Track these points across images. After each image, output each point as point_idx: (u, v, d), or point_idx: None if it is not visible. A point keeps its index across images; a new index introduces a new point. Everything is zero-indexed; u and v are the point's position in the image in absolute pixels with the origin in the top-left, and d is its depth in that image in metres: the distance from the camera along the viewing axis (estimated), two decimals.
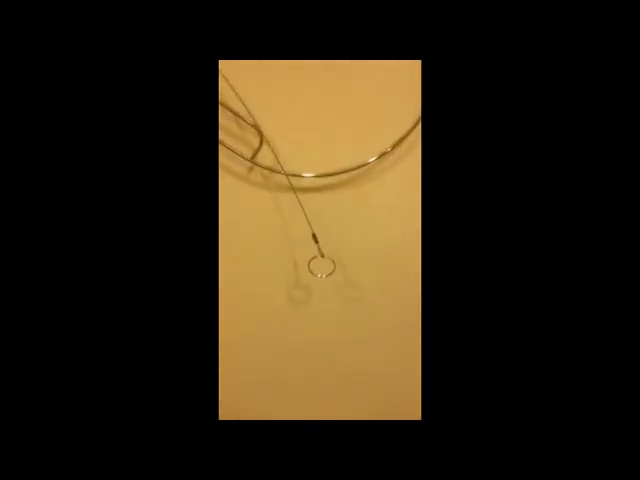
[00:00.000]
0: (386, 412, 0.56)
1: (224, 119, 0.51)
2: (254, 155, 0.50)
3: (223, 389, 0.53)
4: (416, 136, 0.50)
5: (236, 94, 0.49)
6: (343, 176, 0.52)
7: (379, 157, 0.51)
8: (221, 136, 0.51)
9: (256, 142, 0.50)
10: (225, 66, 0.48)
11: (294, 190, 0.52)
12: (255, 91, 0.50)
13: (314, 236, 0.52)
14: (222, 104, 0.49)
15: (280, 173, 0.51)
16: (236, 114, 0.49)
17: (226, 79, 0.49)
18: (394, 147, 0.50)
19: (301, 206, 0.52)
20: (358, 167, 0.51)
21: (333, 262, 0.53)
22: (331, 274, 0.53)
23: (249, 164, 0.51)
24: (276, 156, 0.51)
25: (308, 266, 0.53)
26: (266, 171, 0.52)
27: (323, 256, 0.52)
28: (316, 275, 0.53)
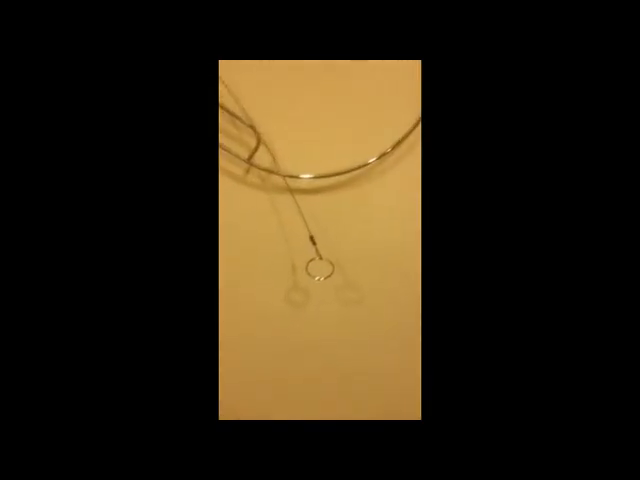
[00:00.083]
0: (386, 412, 0.56)
1: (220, 120, 0.50)
2: (251, 156, 0.50)
3: (223, 389, 0.53)
4: (416, 136, 0.50)
5: (232, 95, 0.49)
6: (342, 177, 0.52)
7: (379, 157, 0.50)
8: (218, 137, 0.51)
9: (253, 143, 0.50)
10: (225, 66, 0.48)
11: (291, 191, 0.51)
12: (255, 91, 0.50)
13: (312, 238, 0.52)
14: (221, 106, 0.49)
15: (277, 174, 0.51)
16: (232, 114, 0.49)
17: (222, 80, 0.49)
18: (394, 147, 0.50)
19: (298, 208, 0.52)
20: (358, 167, 0.51)
21: (332, 264, 0.52)
22: (329, 276, 0.53)
23: (246, 165, 0.51)
24: (274, 157, 0.51)
25: (306, 268, 0.53)
26: (264, 172, 0.52)
27: (321, 258, 0.52)
28: (314, 277, 0.53)
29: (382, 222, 0.53)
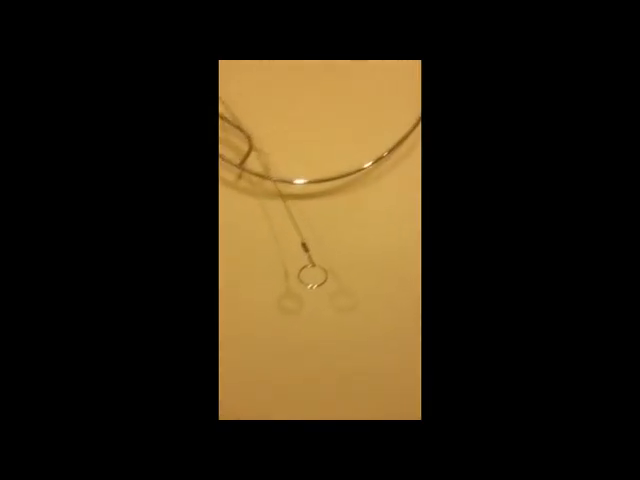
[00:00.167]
0: (386, 412, 0.56)
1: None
2: (243, 161, 0.49)
3: (223, 389, 0.53)
4: (415, 138, 0.50)
5: (227, 101, 0.49)
6: (338, 182, 0.51)
7: (375, 162, 0.50)
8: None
9: (245, 147, 0.49)
10: (225, 66, 0.47)
11: (282, 197, 0.51)
12: (254, 92, 0.50)
13: (304, 245, 0.51)
14: (220, 116, 0.48)
15: (270, 180, 0.50)
16: (227, 120, 0.48)
17: (222, 100, 0.48)
18: (393, 150, 0.50)
19: (290, 214, 0.51)
20: (355, 172, 0.50)
21: (325, 271, 0.52)
22: (323, 284, 0.52)
23: (238, 170, 0.50)
24: (265, 162, 0.50)
25: (298, 276, 0.52)
26: (256, 177, 0.51)
27: (314, 265, 0.51)
28: (307, 285, 0.52)
29: (379, 227, 0.53)
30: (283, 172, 0.51)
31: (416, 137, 0.50)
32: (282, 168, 0.51)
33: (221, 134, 0.50)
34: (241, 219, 0.52)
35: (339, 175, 0.50)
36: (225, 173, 0.51)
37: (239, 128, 0.49)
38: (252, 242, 0.53)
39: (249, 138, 0.49)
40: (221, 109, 0.49)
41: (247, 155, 0.49)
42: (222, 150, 0.50)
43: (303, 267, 0.52)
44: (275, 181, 0.50)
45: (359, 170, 0.50)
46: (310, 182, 0.50)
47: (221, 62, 0.47)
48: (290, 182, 0.50)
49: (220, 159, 0.49)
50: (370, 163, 0.50)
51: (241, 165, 0.50)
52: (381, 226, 0.53)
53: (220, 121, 0.49)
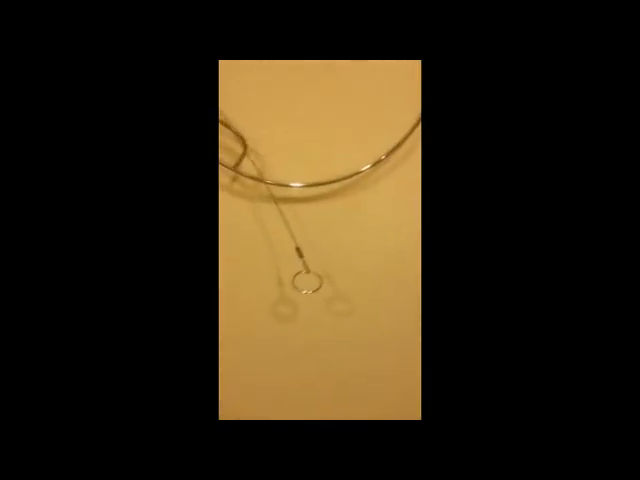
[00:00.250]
0: (386, 412, 0.56)
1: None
2: (237, 163, 0.49)
3: (223, 389, 0.53)
4: (416, 139, 0.49)
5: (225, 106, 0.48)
6: (336, 185, 0.50)
7: (373, 165, 0.49)
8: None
9: (240, 149, 0.49)
10: (225, 66, 0.47)
11: (275, 200, 0.50)
12: (254, 92, 0.50)
13: (298, 250, 0.50)
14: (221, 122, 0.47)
15: (265, 183, 0.49)
16: (225, 124, 0.48)
17: (221, 111, 0.48)
18: (392, 152, 0.49)
19: (283, 217, 0.50)
20: (354, 174, 0.50)
21: (319, 277, 0.51)
22: (318, 289, 0.51)
23: (232, 173, 0.50)
24: (255, 165, 0.49)
25: (292, 282, 0.52)
26: (252, 181, 0.50)
27: (309, 271, 0.51)
28: (301, 291, 0.52)
29: (378, 231, 0.53)
30: (280, 175, 0.50)
31: (416, 139, 0.50)
32: (279, 171, 0.50)
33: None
34: (236, 222, 0.52)
35: (337, 178, 0.49)
36: (219, 176, 0.51)
37: (233, 130, 0.48)
38: (247, 246, 0.52)
39: (243, 140, 0.48)
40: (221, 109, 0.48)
41: (241, 157, 0.49)
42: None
43: (297, 273, 0.51)
44: (270, 184, 0.50)
45: (357, 173, 0.50)
46: (307, 185, 0.50)
47: (221, 62, 0.47)
48: (286, 185, 0.50)
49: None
50: (368, 166, 0.49)
51: (235, 167, 0.49)
52: (380, 230, 0.53)
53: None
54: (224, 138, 0.49)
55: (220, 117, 0.48)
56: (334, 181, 0.50)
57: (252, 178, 0.50)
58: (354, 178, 0.50)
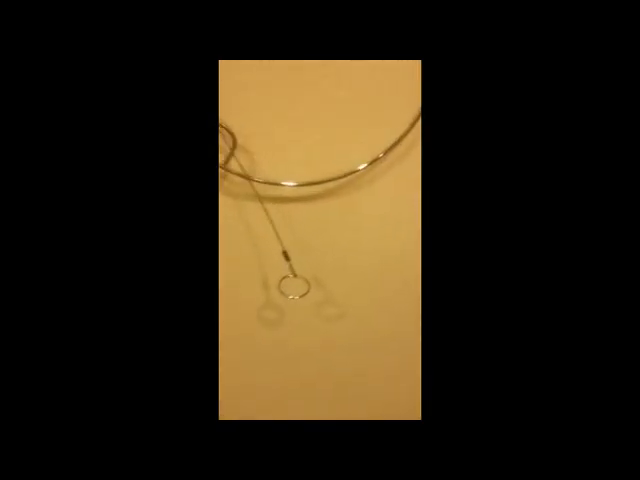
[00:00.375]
0: (386, 412, 0.56)
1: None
2: (226, 161, 0.48)
3: (223, 389, 0.52)
4: (415, 138, 0.49)
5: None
6: (330, 184, 0.49)
7: (370, 163, 0.49)
8: None
9: (229, 146, 0.47)
10: (225, 66, 0.47)
11: (261, 200, 0.48)
12: (255, 91, 0.50)
13: (285, 253, 0.49)
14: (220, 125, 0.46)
15: (256, 181, 0.48)
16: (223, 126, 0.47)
17: (221, 123, 0.47)
18: (390, 149, 0.48)
19: (270, 219, 0.48)
20: (350, 173, 0.49)
21: (307, 282, 0.50)
22: (305, 294, 0.50)
23: (222, 171, 0.48)
24: (242, 164, 0.48)
25: (279, 286, 0.50)
26: (246, 180, 0.48)
27: (295, 275, 0.49)
28: (287, 296, 0.51)
29: (375, 232, 0.52)
30: (273, 173, 0.49)
31: (415, 138, 0.49)
32: (271, 169, 0.49)
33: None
34: (228, 223, 0.51)
35: (332, 177, 0.49)
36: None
37: (223, 126, 0.47)
38: (245, 246, 0.52)
39: (233, 136, 0.47)
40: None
41: (231, 154, 0.47)
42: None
43: (283, 277, 0.50)
44: (261, 183, 0.48)
45: (353, 172, 0.49)
46: (300, 185, 0.48)
47: (221, 62, 0.47)
48: (278, 184, 0.48)
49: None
50: (365, 165, 0.49)
51: (225, 165, 0.48)
52: (377, 230, 0.52)
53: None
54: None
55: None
56: (329, 180, 0.48)
57: (241, 176, 0.48)
58: (350, 177, 0.49)
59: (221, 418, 0.43)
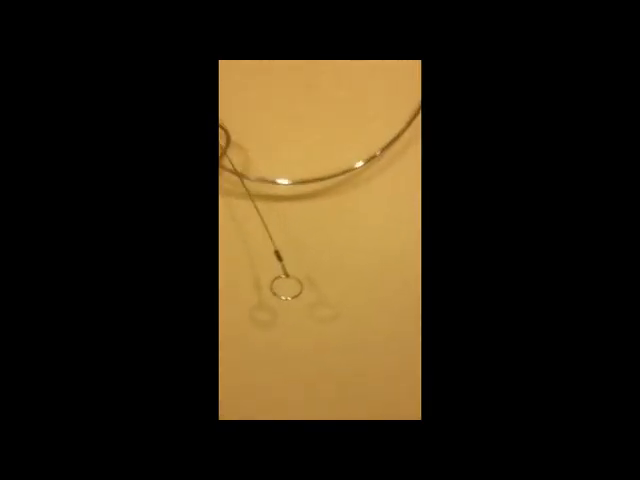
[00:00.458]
0: (386, 412, 0.56)
1: None
2: (219, 158, 0.47)
3: (223, 389, 0.52)
4: (413, 135, 0.48)
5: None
6: (327, 182, 0.49)
7: (367, 162, 0.48)
8: None
9: (221, 143, 0.47)
10: (225, 66, 0.47)
11: (252, 198, 0.47)
12: (255, 91, 0.49)
13: (277, 253, 0.48)
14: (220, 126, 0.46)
15: (249, 179, 0.47)
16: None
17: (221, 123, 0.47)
18: (388, 147, 0.48)
19: (261, 218, 0.47)
20: (347, 171, 0.48)
21: (300, 282, 0.49)
22: (297, 295, 0.50)
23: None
24: (230, 162, 0.47)
25: (271, 287, 0.50)
26: (239, 178, 0.47)
27: (288, 276, 0.49)
28: (280, 297, 0.50)
29: (374, 231, 0.52)
30: (268, 172, 0.48)
31: (413, 135, 0.48)
32: (267, 167, 0.48)
33: None
34: (220, 222, 0.50)
35: (328, 175, 0.48)
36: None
37: (220, 125, 0.46)
38: (245, 244, 0.52)
39: (226, 133, 0.46)
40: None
41: (224, 151, 0.46)
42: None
43: (275, 278, 0.49)
44: (254, 181, 0.47)
45: (350, 170, 0.48)
46: (294, 183, 0.48)
47: (221, 62, 0.47)
48: (273, 182, 0.48)
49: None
50: (362, 162, 0.48)
51: (218, 162, 0.47)
52: (375, 230, 0.52)
53: None
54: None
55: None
56: (324, 178, 0.48)
57: (234, 173, 0.47)
58: (347, 175, 0.48)
59: (221, 418, 0.44)
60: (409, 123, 0.47)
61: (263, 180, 0.47)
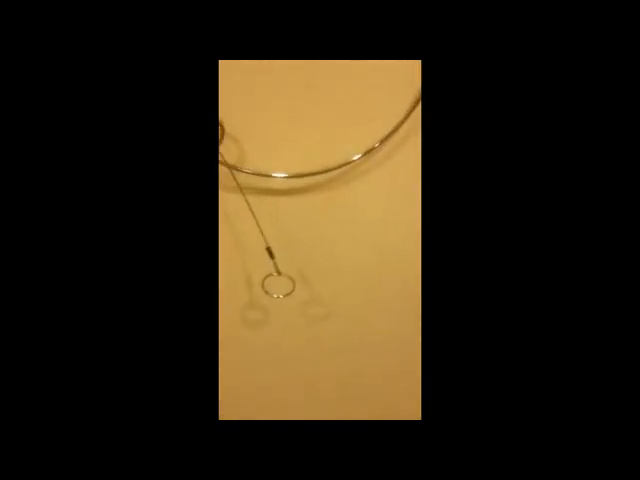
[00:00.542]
0: (386, 412, 0.56)
1: None
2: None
3: (223, 389, 0.52)
4: (412, 127, 0.48)
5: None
6: (324, 176, 0.48)
7: (364, 154, 0.47)
8: None
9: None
10: (225, 66, 0.47)
11: (242, 190, 0.46)
12: (255, 91, 0.49)
13: (269, 249, 0.48)
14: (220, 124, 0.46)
15: (245, 172, 0.46)
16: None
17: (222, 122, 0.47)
18: (386, 139, 0.47)
19: (252, 213, 0.47)
20: (345, 164, 0.48)
21: (292, 280, 0.49)
22: (290, 294, 0.50)
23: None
24: (241, 153, 0.47)
25: (262, 285, 0.50)
26: (231, 172, 0.47)
27: (280, 273, 0.48)
28: (272, 295, 0.50)
29: (369, 225, 0.52)
30: (264, 165, 0.48)
31: (411, 127, 0.48)
32: (263, 160, 0.48)
33: None
34: (226, 217, 0.50)
35: (324, 169, 0.47)
36: None
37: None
38: (241, 241, 0.51)
39: (221, 125, 0.46)
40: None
41: (219, 143, 0.46)
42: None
43: (267, 275, 0.49)
44: (250, 174, 0.47)
45: (347, 163, 0.47)
46: (290, 176, 0.47)
47: (221, 62, 0.47)
48: (268, 176, 0.47)
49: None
50: (360, 155, 0.47)
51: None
52: (372, 224, 0.51)
53: None
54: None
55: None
56: (322, 172, 0.47)
57: (228, 166, 0.46)
58: (344, 168, 0.48)
59: (221, 418, 0.44)
60: (408, 114, 0.47)
61: (258, 173, 0.47)
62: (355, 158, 0.48)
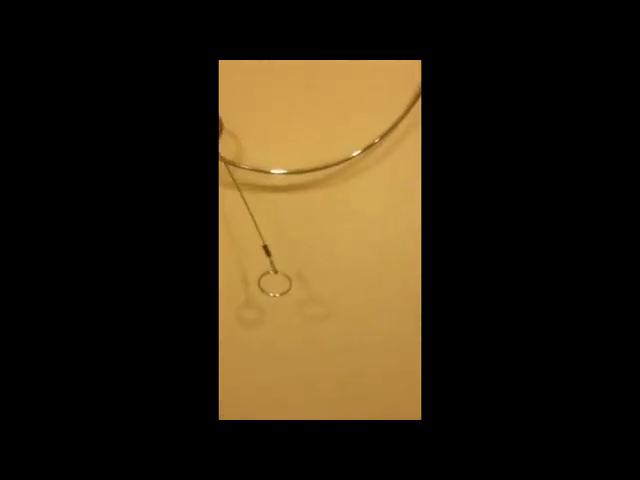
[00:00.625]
0: (386, 412, 0.56)
1: None
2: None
3: (223, 389, 0.52)
4: (412, 123, 0.48)
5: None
6: (324, 172, 0.47)
7: (364, 150, 0.47)
8: None
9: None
10: (225, 66, 0.47)
11: (238, 186, 0.45)
12: (255, 91, 0.49)
13: (265, 247, 0.47)
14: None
15: (244, 169, 0.46)
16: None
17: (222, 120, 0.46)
18: (386, 134, 0.46)
19: (248, 209, 0.46)
20: (348, 159, 0.47)
21: (288, 278, 0.49)
22: (286, 292, 0.50)
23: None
24: (239, 149, 0.46)
25: (259, 284, 0.49)
26: (227, 167, 0.46)
27: (276, 272, 0.48)
28: (268, 293, 0.50)
29: (369, 222, 0.51)
30: (263, 161, 0.47)
31: (411, 122, 0.48)
32: (262, 156, 0.48)
33: None
34: (228, 213, 0.50)
35: (324, 165, 0.47)
36: None
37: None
38: (242, 240, 0.51)
39: (219, 121, 0.45)
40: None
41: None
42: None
43: (264, 273, 0.49)
44: (249, 170, 0.46)
45: (347, 159, 0.47)
46: (290, 173, 0.47)
47: (221, 62, 0.47)
48: (267, 172, 0.47)
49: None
50: (359, 151, 0.47)
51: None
52: (372, 222, 0.51)
53: None
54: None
55: None
56: (322, 168, 0.47)
57: (226, 162, 0.46)
58: (343, 165, 0.48)
59: (221, 418, 0.44)
60: (408, 110, 0.47)
61: (257, 169, 0.46)
62: (355, 154, 0.47)
